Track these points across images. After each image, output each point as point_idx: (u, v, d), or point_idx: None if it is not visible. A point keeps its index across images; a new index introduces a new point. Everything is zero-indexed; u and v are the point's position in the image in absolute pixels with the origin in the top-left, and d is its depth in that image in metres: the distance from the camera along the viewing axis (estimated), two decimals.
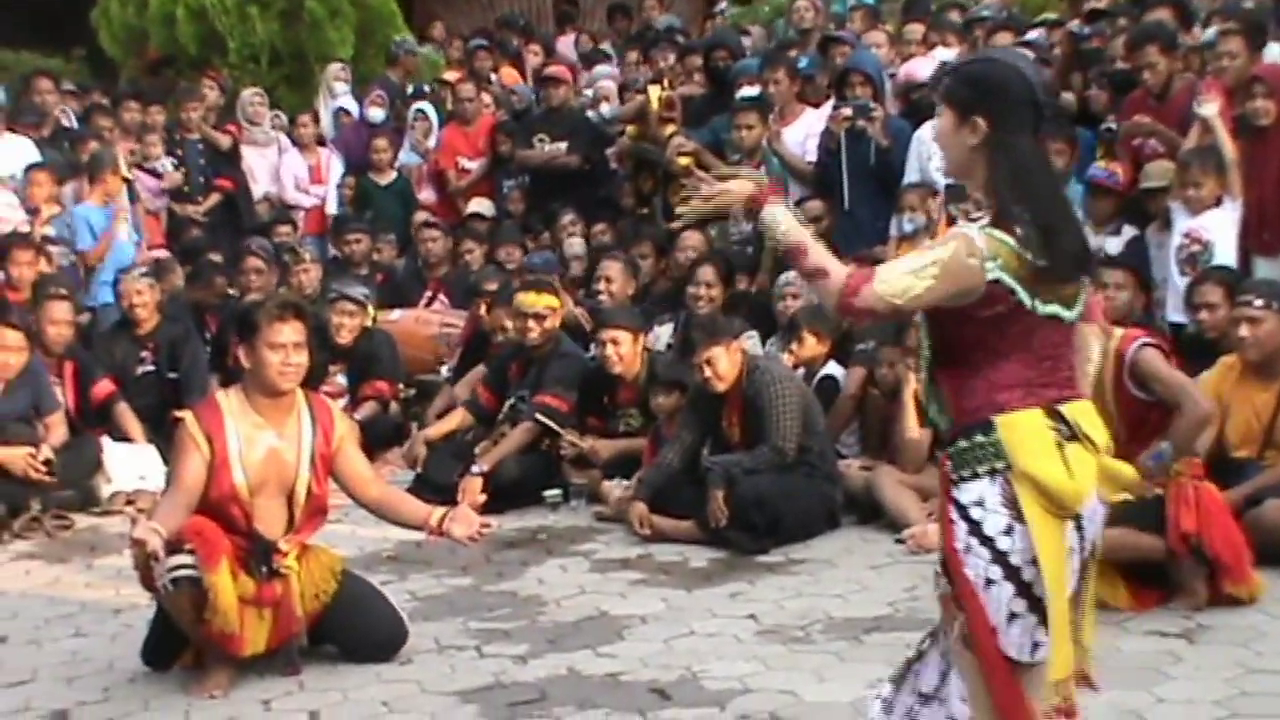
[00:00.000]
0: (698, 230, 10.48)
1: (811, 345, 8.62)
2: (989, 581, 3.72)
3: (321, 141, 14.00)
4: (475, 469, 8.53)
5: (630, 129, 12.02)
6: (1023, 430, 3.70)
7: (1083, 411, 3.79)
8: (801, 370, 8.44)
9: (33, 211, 11.14)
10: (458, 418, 9.43)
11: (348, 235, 12.29)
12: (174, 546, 5.59)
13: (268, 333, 5.87)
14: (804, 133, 10.60)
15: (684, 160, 11.00)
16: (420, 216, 12.83)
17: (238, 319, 6.50)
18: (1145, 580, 6.20)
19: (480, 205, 12.88)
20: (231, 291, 11.16)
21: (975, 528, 3.73)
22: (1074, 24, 10.20)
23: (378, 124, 13.88)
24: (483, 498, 6.46)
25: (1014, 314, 3.70)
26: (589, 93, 13.31)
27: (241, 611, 5.79)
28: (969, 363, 3.78)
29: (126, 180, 11.60)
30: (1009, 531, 3.70)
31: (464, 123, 13.35)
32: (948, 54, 10.94)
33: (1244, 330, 6.91)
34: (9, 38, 17.44)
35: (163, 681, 6.00)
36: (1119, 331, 6.58)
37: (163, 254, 11.94)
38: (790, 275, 8.67)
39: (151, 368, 10.06)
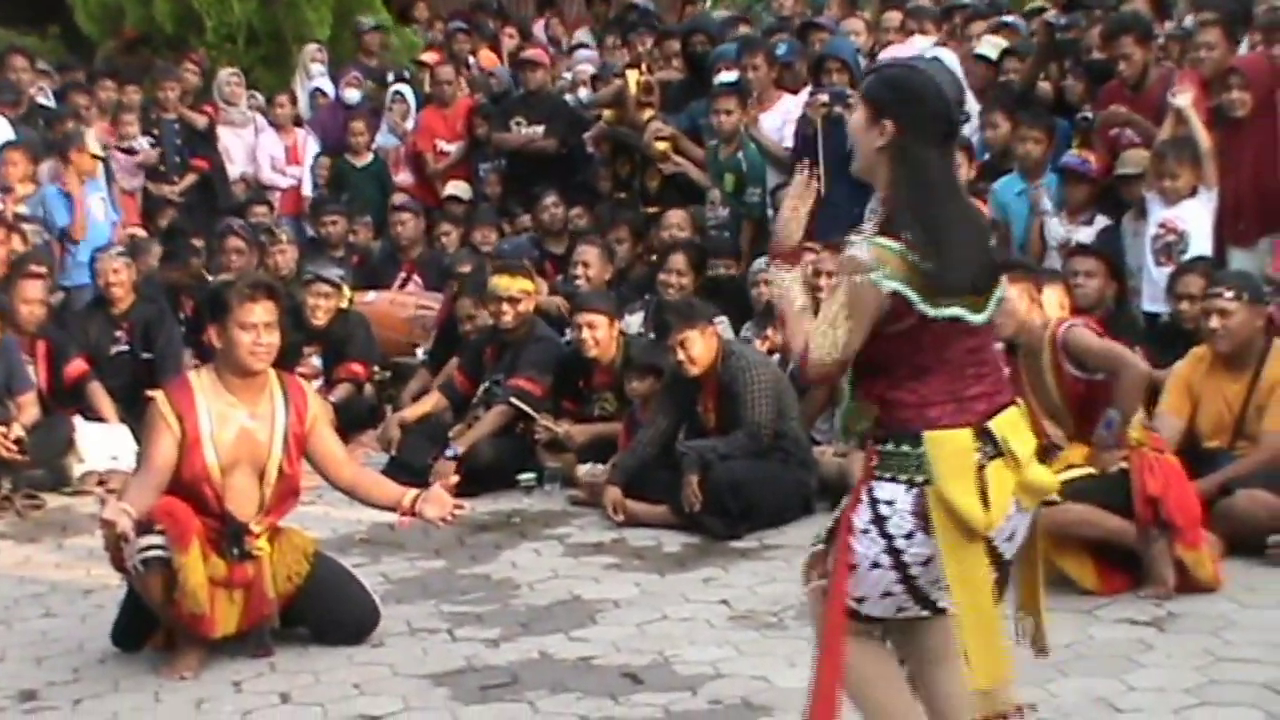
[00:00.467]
0: (680, 209, 10.49)
1: None
2: (875, 565, 3.82)
3: (298, 122, 13.96)
4: (449, 452, 8.52)
5: (608, 113, 11.99)
6: (948, 450, 3.75)
7: (1010, 423, 3.82)
8: (777, 356, 8.43)
9: (5, 190, 11.08)
10: (432, 400, 9.41)
11: (324, 217, 12.26)
12: (144, 527, 5.58)
13: (239, 312, 5.85)
14: (781, 119, 10.60)
15: (661, 145, 11.04)
16: (398, 198, 12.79)
17: (209, 299, 6.48)
18: (1114, 562, 6.25)
19: (457, 188, 12.85)
20: (207, 272, 11.12)
21: (880, 521, 3.81)
22: (1051, 14, 10.20)
23: (354, 105, 13.84)
24: (455, 479, 6.44)
25: (922, 325, 3.73)
26: (568, 76, 13.29)
27: (212, 593, 5.78)
28: (894, 376, 3.82)
29: (100, 159, 11.55)
30: (910, 536, 3.78)
31: (442, 105, 13.31)
32: (925, 42, 10.96)
33: (1214, 321, 6.92)
34: None
35: (133, 662, 5.99)
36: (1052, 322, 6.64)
37: (139, 233, 11.91)
38: (762, 262, 8.66)
39: (126, 348, 10.04)
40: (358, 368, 10.05)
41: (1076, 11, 10.23)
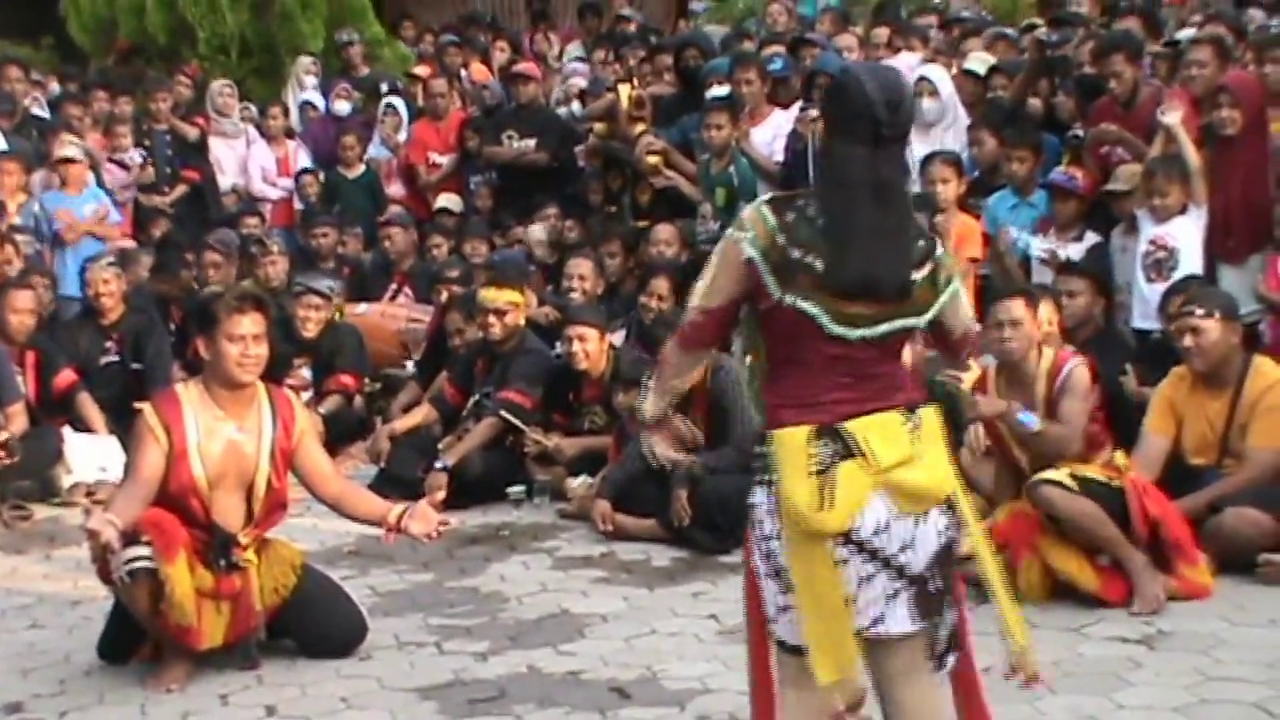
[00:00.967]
0: (669, 223, 10.48)
1: None
2: (766, 575, 3.87)
3: (290, 134, 13.96)
4: (439, 464, 8.52)
5: (599, 127, 12.01)
6: (787, 449, 3.77)
7: (877, 425, 3.78)
8: None
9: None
10: (422, 412, 9.41)
11: (314, 229, 12.26)
12: (131, 538, 5.57)
13: (227, 324, 5.85)
14: (772, 133, 10.60)
15: (653, 159, 11.02)
16: (393, 210, 12.78)
17: (197, 311, 6.47)
18: (1114, 566, 6.29)
19: (448, 200, 12.86)
20: (196, 284, 11.11)
21: (757, 526, 3.87)
22: (1042, 31, 10.22)
23: (344, 117, 13.85)
24: (443, 494, 6.43)
25: (778, 309, 3.76)
26: (560, 90, 13.30)
27: (199, 605, 5.77)
28: (771, 374, 3.89)
29: (71, 160, 11.53)
30: (778, 536, 3.81)
31: (435, 118, 13.33)
32: (913, 58, 10.99)
33: (1188, 340, 6.93)
34: None
35: (119, 675, 5.97)
36: (1049, 352, 6.70)
37: (129, 244, 11.90)
38: None
39: (116, 358, 10.04)
40: (347, 380, 10.05)
41: (1066, 27, 10.25)
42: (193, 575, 5.73)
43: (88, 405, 9.50)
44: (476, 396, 9.12)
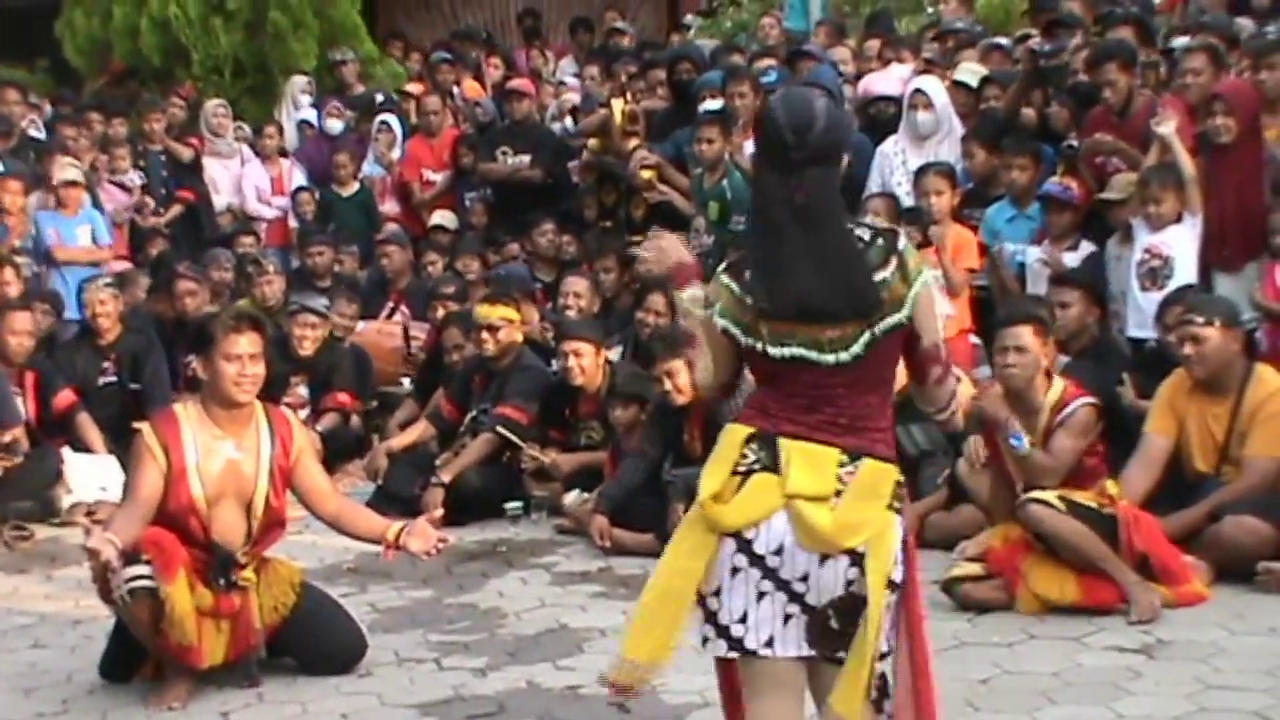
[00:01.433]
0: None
1: None
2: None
3: (284, 153, 13.98)
4: (435, 480, 8.52)
5: (593, 142, 12.02)
6: (724, 442, 3.83)
7: (810, 454, 3.75)
8: None
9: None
10: (420, 429, 9.42)
11: (310, 248, 12.26)
12: (131, 557, 5.58)
13: (224, 344, 5.86)
14: None
15: (647, 174, 11.04)
16: (390, 229, 12.78)
17: (193, 331, 6.48)
18: (1099, 574, 6.30)
19: (443, 218, 12.88)
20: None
21: None
22: (1035, 41, 10.23)
23: (336, 135, 13.87)
24: (440, 512, 6.43)
25: (753, 353, 3.79)
26: (553, 106, 13.32)
27: (200, 623, 5.77)
28: (757, 387, 3.92)
29: (72, 183, 11.54)
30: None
31: (429, 135, 13.35)
32: (903, 70, 11.01)
33: (1188, 349, 6.93)
34: None
35: (121, 694, 5.97)
36: (1059, 384, 6.68)
37: (125, 265, 11.91)
38: None
39: (114, 378, 10.05)
40: (344, 398, 10.06)
41: (1061, 34, 10.25)
42: (193, 594, 5.73)
43: (87, 425, 9.51)
44: (473, 413, 9.12)
